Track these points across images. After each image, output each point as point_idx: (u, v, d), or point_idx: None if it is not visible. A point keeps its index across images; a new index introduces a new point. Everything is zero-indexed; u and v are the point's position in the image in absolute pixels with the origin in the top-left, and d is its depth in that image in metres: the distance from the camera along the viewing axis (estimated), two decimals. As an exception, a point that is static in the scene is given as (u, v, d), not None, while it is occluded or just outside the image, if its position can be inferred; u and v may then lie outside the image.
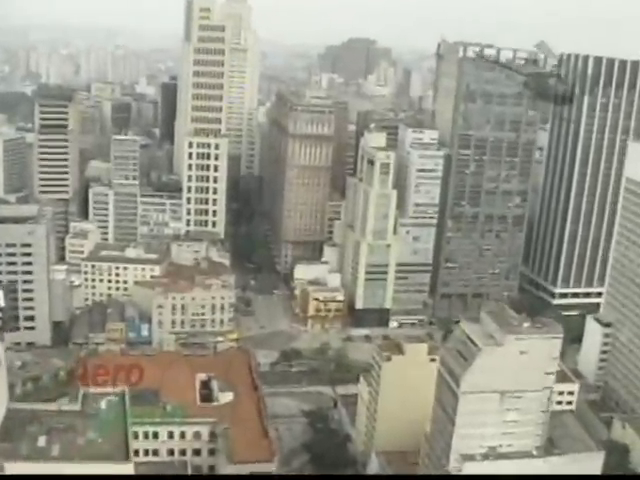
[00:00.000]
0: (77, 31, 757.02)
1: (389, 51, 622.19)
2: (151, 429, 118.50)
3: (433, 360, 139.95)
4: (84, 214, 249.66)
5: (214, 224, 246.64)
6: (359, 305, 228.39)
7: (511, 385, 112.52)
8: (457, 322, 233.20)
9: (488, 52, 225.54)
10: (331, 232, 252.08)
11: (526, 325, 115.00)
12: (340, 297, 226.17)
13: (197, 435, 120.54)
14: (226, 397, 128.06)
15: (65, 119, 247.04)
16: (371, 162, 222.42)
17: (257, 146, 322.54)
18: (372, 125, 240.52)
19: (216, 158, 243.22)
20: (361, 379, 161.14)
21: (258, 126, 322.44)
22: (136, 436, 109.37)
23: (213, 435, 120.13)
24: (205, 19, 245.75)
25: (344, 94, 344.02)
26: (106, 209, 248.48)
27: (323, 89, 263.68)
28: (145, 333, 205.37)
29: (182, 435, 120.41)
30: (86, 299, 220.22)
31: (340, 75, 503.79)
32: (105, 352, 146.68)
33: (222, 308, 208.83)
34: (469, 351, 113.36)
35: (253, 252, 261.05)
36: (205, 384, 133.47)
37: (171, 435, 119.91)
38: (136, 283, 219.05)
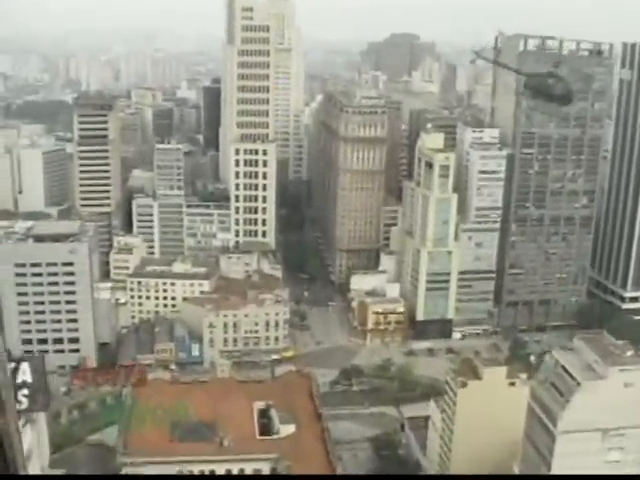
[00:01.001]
0: (115, 36, 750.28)
1: (433, 46, 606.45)
2: (207, 467, 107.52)
3: (512, 384, 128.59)
4: (128, 227, 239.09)
5: (264, 234, 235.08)
6: (420, 316, 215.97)
7: (614, 422, 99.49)
8: (522, 331, 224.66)
9: (550, 44, 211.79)
10: (387, 239, 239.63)
11: (629, 354, 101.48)
12: (400, 308, 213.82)
13: (257, 472, 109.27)
14: (287, 429, 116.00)
15: (105, 129, 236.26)
16: (429, 165, 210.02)
17: (305, 149, 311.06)
18: (429, 125, 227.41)
19: (264, 165, 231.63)
20: (432, 403, 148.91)
21: (305, 128, 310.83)
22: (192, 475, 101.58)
23: (275, 472, 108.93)
24: (248, 19, 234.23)
25: (392, 92, 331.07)
26: (151, 221, 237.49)
27: (371, 88, 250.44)
28: (196, 353, 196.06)
29: (241, 472, 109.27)
30: (133, 317, 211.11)
31: (384, 72, 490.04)
32: (154, 381, 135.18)
33: (276, 325, 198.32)
34: (566, 385, 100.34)
35: (305, 261, 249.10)
36: (263, 413, 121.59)
37: (229, 473, 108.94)
38: (185, 299, 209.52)
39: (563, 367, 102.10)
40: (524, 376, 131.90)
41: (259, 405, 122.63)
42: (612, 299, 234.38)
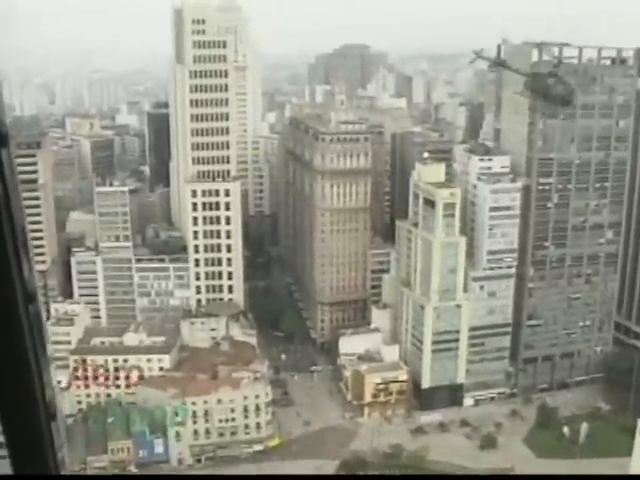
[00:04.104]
0: (51, 56, 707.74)
1: (385, 56, 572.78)
2: None
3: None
4: (67, 288, 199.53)
5: (230, 289, 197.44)
6: (425, 383, 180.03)
7: None
8: (543, 390, 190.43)
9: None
10: (375, 287, 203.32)
11: None
12: (403, 376, 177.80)
13: None
14: None
15: (34, 171, 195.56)
16: (429, 202, 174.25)
17: (266, 179, 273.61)
18: (425, 155, 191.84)
19: (227, 208, 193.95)
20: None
21: (266, 155, 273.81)
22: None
23: None
24: (200, 34, 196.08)
25: (355, 110, 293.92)
26: (95, 280, 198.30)
27: (348, 109, 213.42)
28: (159, 450, 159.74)
29: None
30: (79, 403, 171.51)
31: (335, 86, 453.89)
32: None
33: (257, 409, 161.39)
34: None
35: (278, 315, 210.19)
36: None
37: None
38: (141, 379, 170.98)
39: None
40: None
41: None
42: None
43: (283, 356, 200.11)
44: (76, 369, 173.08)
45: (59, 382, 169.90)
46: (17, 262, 6.37)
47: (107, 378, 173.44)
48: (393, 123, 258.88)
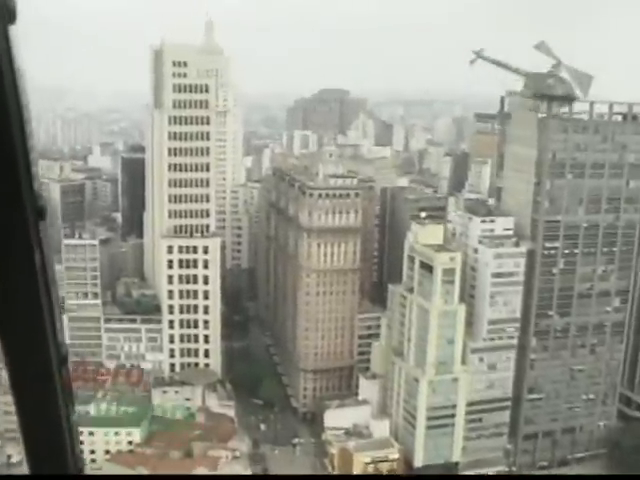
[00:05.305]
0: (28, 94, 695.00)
1: (365, 102, 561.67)
2: None
3: None
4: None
5: (207, 353, 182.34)
6: (418, 462, 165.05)
7: None
8: (542, 467, 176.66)
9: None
10: (363, 354, 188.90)
11: None
12: (394, 455, 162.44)
13: None
14: None
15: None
16: (427, 267, 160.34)
17: (245, 230, 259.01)
18: (422, 214, 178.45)
19: (206, 266, 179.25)
20: None
21: (245, 205, 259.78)
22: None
23: None
24: (181, 77, 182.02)
25: (340, 159, 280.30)
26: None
27: (337, 162, 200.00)
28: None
29: None
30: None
31: (314, 131, 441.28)
32: None
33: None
34: None
35: (257, 380, 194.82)
36: None
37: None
38: (108, 454, 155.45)
39: None
40: None
41: None
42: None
43: (262, 426, 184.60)
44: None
45: (9, 457, 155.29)
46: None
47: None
48: (378, 174, 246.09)
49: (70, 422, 6.59)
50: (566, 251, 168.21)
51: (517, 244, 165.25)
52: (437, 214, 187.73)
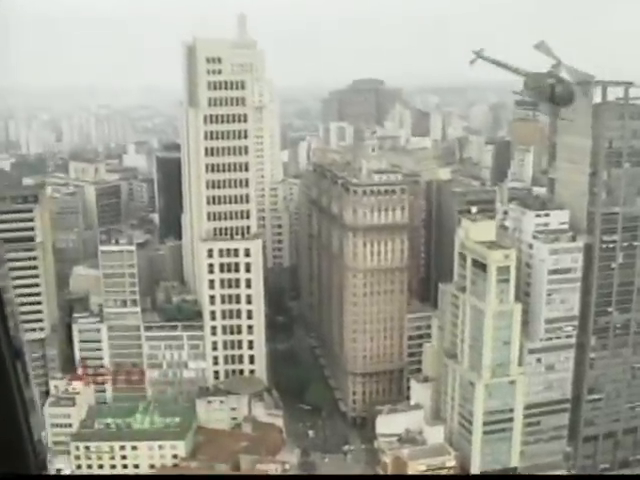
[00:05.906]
0: (58, 93, 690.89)
1: (400, 91, 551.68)
2: None
3: None
4: (68, 358, 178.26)
5: (252, 359, 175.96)
6: (475, 468, 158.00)
7: None
8: (604, 470, 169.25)
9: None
10: (413, 355, 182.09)
11: None
12: (450, 462, 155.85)
13: None
14: None
15: (31, 228, 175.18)
16: (480, 265, 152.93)
17: (285, 228, 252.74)
18: (474, 209, 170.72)
19: (248, 269, 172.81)
20: None
21: (284, 202, 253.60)
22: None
23: None
24: (216, 74, 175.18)
25: (379, 151, 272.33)
26: (99, 350, 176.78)
27: (381, 156, 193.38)
28: None
29: None
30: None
31: (350, 123, 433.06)
32: None
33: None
34: None
35: (303, 384, 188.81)
36: None
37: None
38: (152, 468, 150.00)
39: None
40: None
41: None
42: None
43: (310, 433, 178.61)
44: (77, 457, 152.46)
45: (59, 471, 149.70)
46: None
47: (113, 466, 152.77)
48: (419, 165, 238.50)
49: (29, 421, 6.45)
50: (625, 244, 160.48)
51: (574, 238, 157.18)
52: (486, 207, 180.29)
